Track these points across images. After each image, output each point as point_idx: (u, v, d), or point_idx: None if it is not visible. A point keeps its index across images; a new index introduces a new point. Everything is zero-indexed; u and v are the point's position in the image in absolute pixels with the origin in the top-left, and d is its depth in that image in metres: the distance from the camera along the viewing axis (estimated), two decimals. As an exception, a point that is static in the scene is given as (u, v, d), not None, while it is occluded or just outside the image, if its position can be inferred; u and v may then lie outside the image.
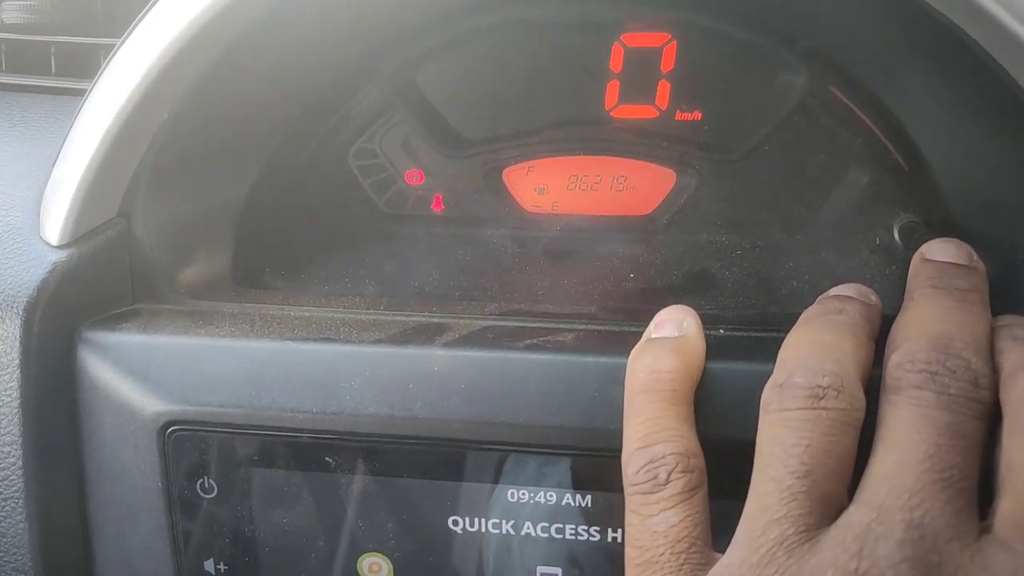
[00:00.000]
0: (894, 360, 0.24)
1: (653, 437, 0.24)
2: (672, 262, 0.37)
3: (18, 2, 0.40)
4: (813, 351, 0.24)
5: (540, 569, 0.28)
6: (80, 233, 0.31)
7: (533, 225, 0.41)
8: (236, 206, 0.36)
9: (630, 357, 0.26)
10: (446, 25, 0.39)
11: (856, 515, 0.21)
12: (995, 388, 0.23)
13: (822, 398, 0.23)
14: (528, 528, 0.28)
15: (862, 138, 0.36)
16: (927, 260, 0.27)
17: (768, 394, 0.24)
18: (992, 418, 0.23)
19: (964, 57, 0.27)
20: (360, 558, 0.29)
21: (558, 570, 0.28)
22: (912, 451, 0.22)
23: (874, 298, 0.27)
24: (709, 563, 0.23)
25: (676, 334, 0.26)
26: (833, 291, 0.28)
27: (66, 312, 0.30)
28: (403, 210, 0.41)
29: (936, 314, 0.24)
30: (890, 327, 0.26)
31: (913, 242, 0.33)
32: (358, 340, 0.29)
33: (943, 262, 0.27)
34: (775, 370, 0.25)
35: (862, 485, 0.22)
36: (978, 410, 0.22)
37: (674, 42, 0.38)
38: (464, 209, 0.41)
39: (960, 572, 0.20)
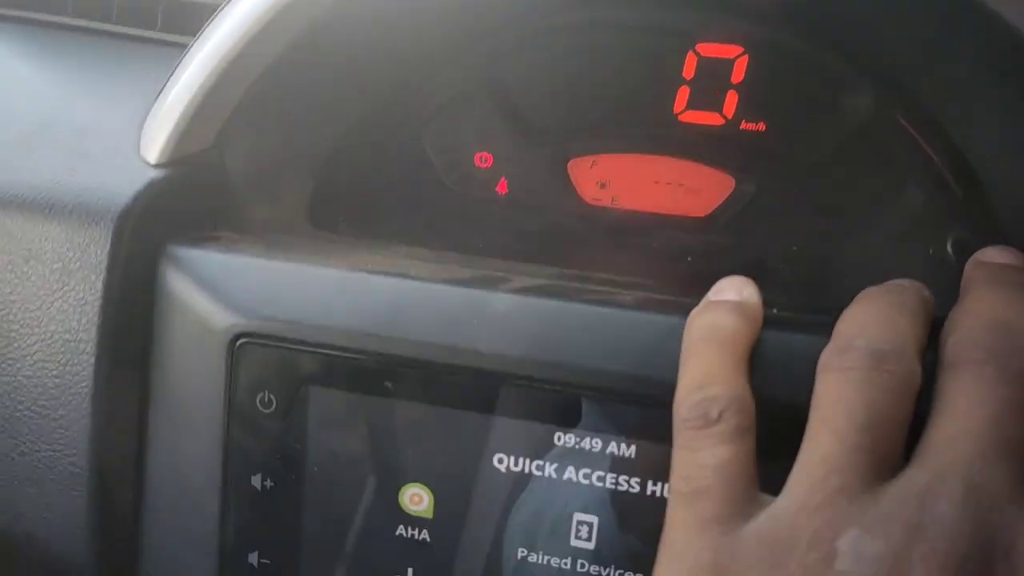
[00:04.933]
0: (952, 340, 0.24)
1: (707, 379, 0.25)
2: (727, 255, 0.38)
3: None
4: (873, 322, 0.25)
5: (577, 516, 0.29)
6: (177, 156, 0.33)
7: (592, 216, 0.42)
8: (319, 157, 0.38)
9: (690, 316, 0.27)
10: (531, 20, 0.41)
11: (916, 476, 0.22)
12: None
13: (883, 360, 0.23)
14: (570, 473, 0.28)
15: (921, 161, 0.38)
16: (982, 263, 0.28)
17: (827, 356, 0.25)
18: None
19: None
20: (403, 488, 0.30)
21: (595, 518, 0.28)
22: (973, 421, 0.22)
23: (928, 292, 0.28)
24: (757, 503, 0.23)
25: (736, 299, 0.27)
26: (890, 281, 0.29)
27: (155, 226, 0.32)
28: (469, 190, 0.43)
29: (993, 302, 0.25)
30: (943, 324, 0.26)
31: (965, 255, 0.34)
32: (427, 277, 0.30)
33: (997, 263, 0.28)
34: (832, 339, 0.25)
35: (920, 450, 0.23)
36: None
37: (746, 55, 0.40)
38: (527, 194, 0.43)
39: (1019, 531, 0.21)
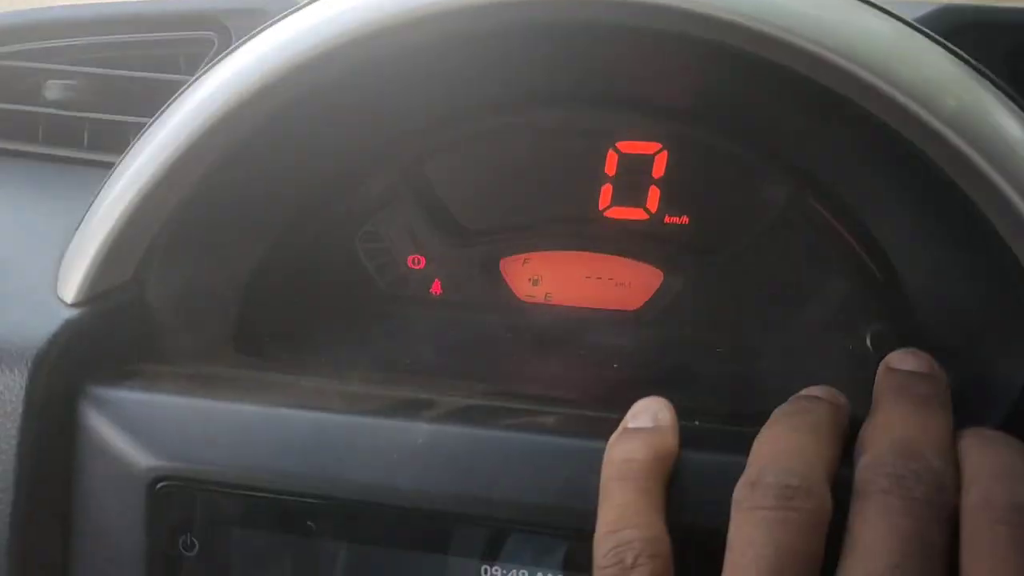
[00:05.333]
0: (862, 463, 0.25)
1: (622, 523, 0.25)
2: (655, 356, 0.38)
3: (61, 81, 0.43)
4: (783, 450, 0.25)
5: (508, 649, 0.28)
6: (94, 294, 0.33)
7: (526, 313, 0.42)
8: (243, 277, 0.38)
9: (607, 446, 0.27)
10: (455, 124, 0.42)
11: None
12: (957, 490, 0.24)
13: (791, 498, 0.24)
14: (500, 605, 0.28)
15: (839, 248, 0.39)
16: (891, 369, 0.28)
17: (740, 491, 0.25)
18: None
19: (934, 179, 0.29)
20: (333, 627, 0.29)
21: (526, 651, 0.28)
22: (878, 562, 0.22)
23: (842, 400, 0.29)
24: None
25: (651, 425, 0.28)
26: (804, 392, 0.29)
27: (72, 366, 0.32)
28: (404, 291, 0.43)
29: (900, 419, 0.26)
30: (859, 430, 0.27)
31: (883, 350, 0.35)
32: (346, 410, 0.30)
33: (906, 371, 0.28)
34: (747, 467, 0.25)
35: None
36: (943, 514, 0.23)
37: (665, 151, 0.40)
38: (461, 294, 0.43)
39: None
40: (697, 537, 0.25)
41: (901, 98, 0.27)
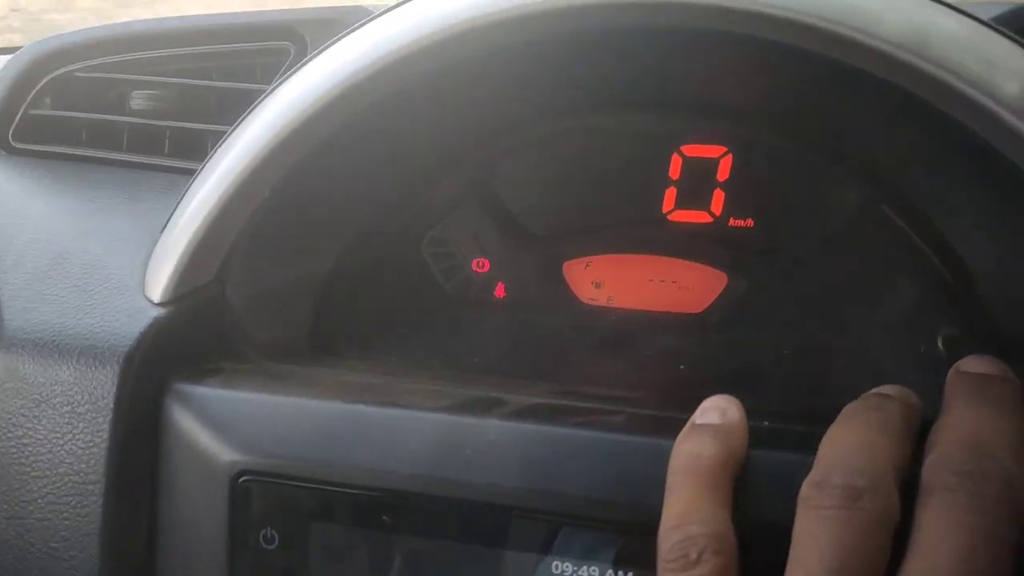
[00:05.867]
0: (928, 462, 0.24)
1: (688, 517, 0.25)
2: (721, 358, 0.38)
3: (146, 91, 0.45)
4: (851, 449, 0.25)
5: (578, 644, 0.29)
6: (180, 294, 0.34)
7: (588, 316, 0.43)
8: (318, 279, 0.40)
9: (676, 442, 0.28)
10: (521, 129, 0.43)
11: None
12: None
13: (858, 498, 0.23)
14: (569, 601, 0.29)
15: (910, 251, 0.38)
16: (961, 372, 0.28)
17: (806, 490, 0.25)
18: None
19: (1008, 180, 0.29)
20: (406, 618, 0.30)
21: (596, 646, 0.28)
22: (943, 557, 0.22)
23: (914, 399, 0.28)
24: None
25: (719, 421, 0.28)
26: (875, 390, 0.29)
27: (159, 364, 0.33)
28: (468, 295, 0.44)
29: (971, 419, 0.25)
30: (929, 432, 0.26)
31: (955, 353, 0.34)
32: (420, 407, 0.31)
33: (977, 373, 0.28)
34: (814, 466, 0.25)
35: None
36: (1013, 512, 0.23)
37: (730, 155, 0.41)
38: (524, 297, 0.44)
39: None
40: (763, 534, 0.25)
41: (978, 96, 0.27)
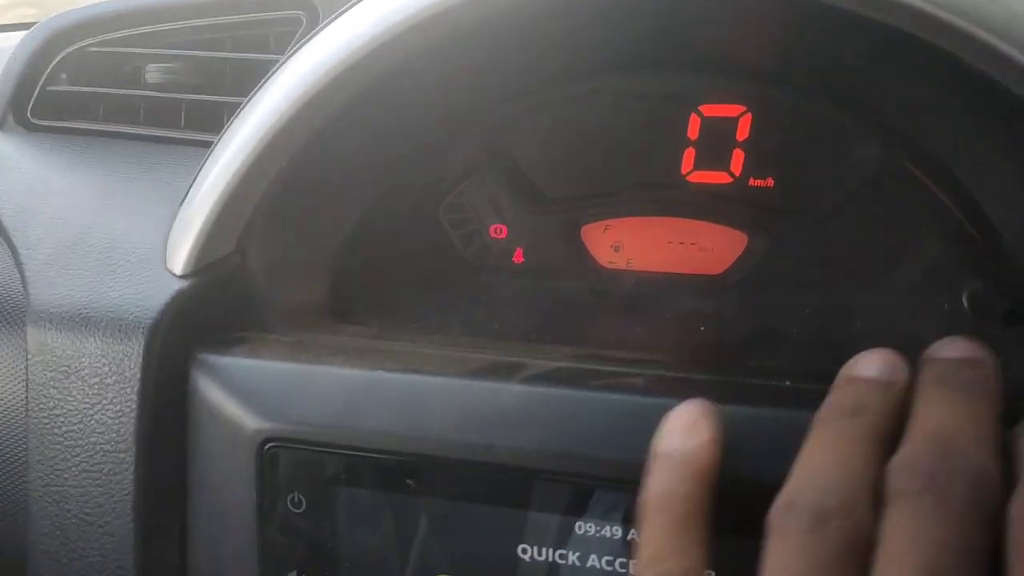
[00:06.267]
0: (892, 464, 0.23)
1: (659, 557, 0.24)
2: (741, 319, 0.38)
3: (161, 64, 0.45)
4: (821, 465, 0.24)
5: (602, 602, 0.29)
6: (201, 265, 0.35)
7: (608, 279, 0.43)
8: (336, 247, 0.40)
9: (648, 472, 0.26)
10: (537, 93, 0.42)
11: None
12: (1004, 490, 0.22)
13: (826, 521, 0.22)
14: (593, 561, 0.29)
15: (933, 209, 0.38)
16: (931, 359, 0.26)
17: (773, 514, 0.23)
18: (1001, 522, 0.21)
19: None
20: (431, 579, 0.31)
21: (619, 604, 0.29)
22: (907, 567, 0.21)
23: (901, 375, 0.26)
24: None
25: (685, 447, 0.26)
26: (858, 367, 0.27)
27: (183, 335, 0.34)
28: (486, 261, 0.44)
29: (937, 413, 0.24)
30: None
31: (979, 309, 0.34)
32: (441, 372, 0.31)
33: (946, 359, 0.26)
34: (784, 486, 0.24)
35: None
36: (981, 517, 0.21)
37: (749, 114, 0.40)
38: (543, 262, 0.44)
39: None
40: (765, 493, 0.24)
41: (1003, 46, 0.26)
